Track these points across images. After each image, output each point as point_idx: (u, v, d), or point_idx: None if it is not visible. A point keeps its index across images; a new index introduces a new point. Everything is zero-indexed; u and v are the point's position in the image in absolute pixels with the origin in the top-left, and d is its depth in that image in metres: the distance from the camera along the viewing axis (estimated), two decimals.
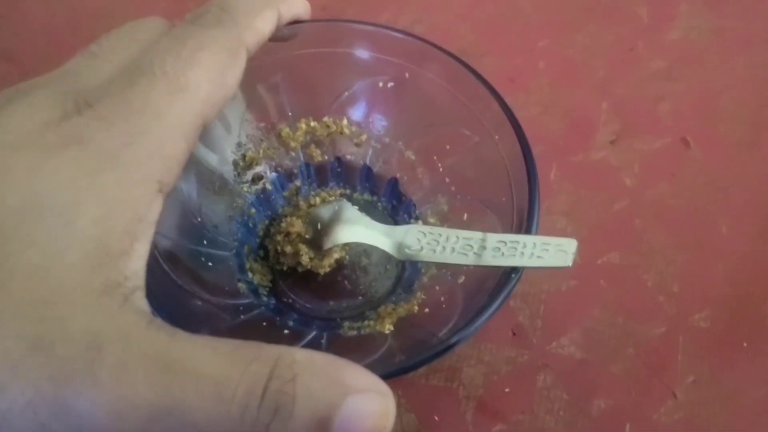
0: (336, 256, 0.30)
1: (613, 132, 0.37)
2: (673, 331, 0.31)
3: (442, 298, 0.28)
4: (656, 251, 0.33)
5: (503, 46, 0.41)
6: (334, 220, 0.29)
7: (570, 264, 0.23)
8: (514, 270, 0.24)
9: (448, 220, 0.31)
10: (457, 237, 0.25)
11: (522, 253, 0.23)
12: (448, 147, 0.31)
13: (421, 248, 0.26)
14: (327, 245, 0.29)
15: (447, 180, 0.31)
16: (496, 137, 0.28)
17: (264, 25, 0.23)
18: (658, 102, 0.38)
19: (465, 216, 0.30)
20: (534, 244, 0.23)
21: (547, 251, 0.23)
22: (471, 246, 0.25)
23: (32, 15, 0.43)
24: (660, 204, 0.35)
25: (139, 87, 0.18)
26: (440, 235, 0.26)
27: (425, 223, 0.32)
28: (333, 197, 0.33)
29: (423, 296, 0.29)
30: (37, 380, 0.15)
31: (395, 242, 0.27)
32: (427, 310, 0.28)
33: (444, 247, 0.25)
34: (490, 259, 0.24)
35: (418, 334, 0.27)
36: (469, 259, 0.25)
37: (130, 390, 0.15)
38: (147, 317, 0.16)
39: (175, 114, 0.19)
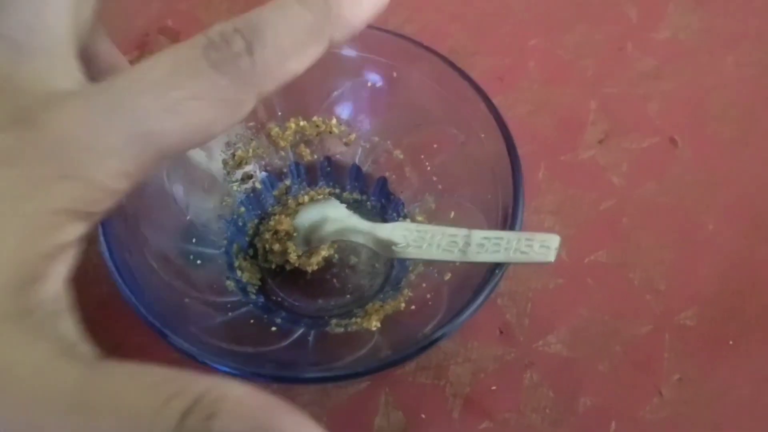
0: (324, 254, 0.31)
1: (602, 131, 0.37)
2: (660, 329, 0.31)
3: (429, 295, 0.28)
4: (643, 250, 0.33)
5: (493, 45, 0.41)
6: (322, 217, 0.29)
7: (552, 259, 0.23)
8: (498, 266, 0.24)
9: (435, 218, 0.31)
10: (443, 234, 0.26)
11: (506, 249, 0.24)
12: (435, 146, 0.31)
13: (408, 245, 0.26)
14: (314, 243, 0.29)
15: (434, 179, 0.32)
16: (482, 136, 0.28)
17: (299, 66, 0.18)
18: (647, 101, 0.39)
19: (452, 214, 0.30)
20: (518, 240, 0.24)
21: (531, 247, 0.23)
22: (456, 242, 0.25)
23: None
24: (647, 203, 0.35)
25: (94, 116, 0.16)
26: (426, 232, 0.26)
27: (413, 221, 0.32)
28: (321, 196, 0.33)
29: (410, 293, 0.29)
30: None
31: (382, 239, 0.27)
32: (413, 307, 0.29)
33: (430, 244, 0.26)
34: (475, 255, 0.24)
35: (404, 331, 0.28)
36: (455, 256, 0.25)
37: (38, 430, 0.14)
38: (64, 345, 0.15)
39: (125, 154, 0.17)
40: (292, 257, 0.30)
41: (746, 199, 0.35)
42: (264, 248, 0.31)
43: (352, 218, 0.29)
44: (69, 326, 0.16)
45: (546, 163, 0.36)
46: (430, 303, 0.28)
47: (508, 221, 0.26)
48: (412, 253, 0.26)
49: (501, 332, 0.31)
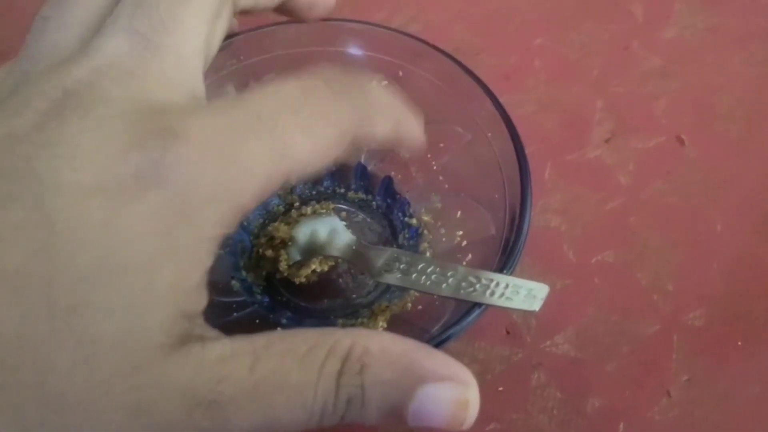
0: (314, 267, 0.30)
1: (608, 130, 0.37)
2: (668, 329, 0.31)
3: (435, 296, 0.28)
4: (651, 250, 0.33)
5: (499, 44, 0.41)
6: (320, 233, 0.29)
7: (537, 309, 0.23)
8: (506, 267, 0.24)
9: (441, 217, 0.31)
10: (434, 266, 0.25)
11: (493, 292, 0.23)
12: (441, 145, 0.31)
13: (397, 272, 0.26)
14: (306, 256, 0.29)
15: (441, 178, 0.31)
16: (489, 135, 0.28)
17: (381, 132, 0.19)
18: (653, 100, 0.38)
19: (458, 213, 0.30)
20: (507, 285, 0.24)
21: (518, 294, 0.23)
22: (445, 277, 0.25)
23: (31, 11, 0.43)
24: (654, 202, 0.35)
25: (235, 130, 0.16)
26: (418, 262, 0.26)
27: (419, 221, 0.32)
28: (325, 210, 0.33)
29: (416, 294, 0.29)
30: None
31: (372, 263, 0.27)
32: (420, 307, 0.29)
33: (419, 274, 0.25)
34: (461, 293, 0.24)
35: (410, 331, 0.27)
36: (440, 290, 0.25)
37: None
38: (227, 348, 0.16)
39: (263, 172, 0.16)
40: (282, 266, 0.30)
41: (754, 198, 0.35)
42: (257, 253, 0.31)
43: (348, 237, 0.29)
44: (213, 329, 0.17)
45: (552, 163, 0.36)
46: (436, 303, 0.28)
47: (516, 221, 0.25)
48: (401, 281, 0.26)
49: (508, 333, 0.31)
